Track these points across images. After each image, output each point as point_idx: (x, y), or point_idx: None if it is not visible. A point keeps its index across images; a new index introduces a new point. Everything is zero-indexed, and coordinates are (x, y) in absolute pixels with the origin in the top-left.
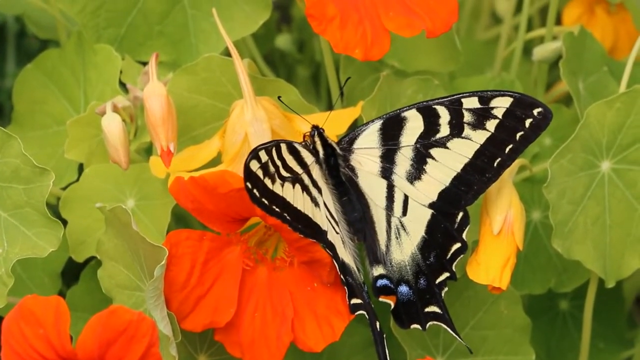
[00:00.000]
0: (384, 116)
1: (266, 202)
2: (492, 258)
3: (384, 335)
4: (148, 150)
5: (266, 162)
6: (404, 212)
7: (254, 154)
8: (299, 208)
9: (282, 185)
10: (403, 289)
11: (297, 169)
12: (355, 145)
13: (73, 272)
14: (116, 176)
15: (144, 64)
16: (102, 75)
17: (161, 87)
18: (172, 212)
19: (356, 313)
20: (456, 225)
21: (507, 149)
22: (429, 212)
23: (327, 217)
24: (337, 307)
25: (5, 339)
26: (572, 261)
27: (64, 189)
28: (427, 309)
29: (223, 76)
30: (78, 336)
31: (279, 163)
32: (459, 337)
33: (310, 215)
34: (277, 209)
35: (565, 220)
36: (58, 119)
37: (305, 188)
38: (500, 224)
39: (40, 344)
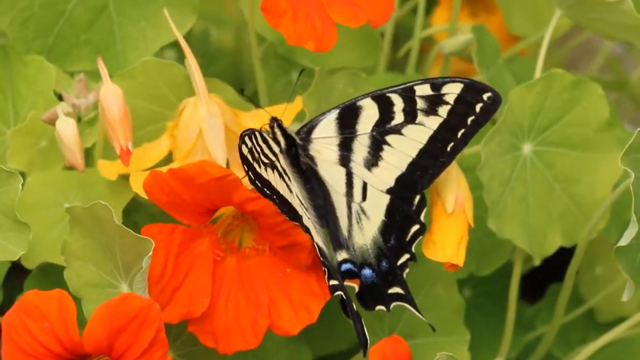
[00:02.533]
0: (340, 106)
1: (259, 184)
2: (447, 236)
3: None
4: (88, 155)
5: (251, 148)
6: (364, 198)
7: (242, 139)
8: (281, 192)
9: (266, 170)
10: (366, 272)
11: (271, 156)
12: (313, 135)
13: (12, 283)
14: (59, 183)
15: (71, 73)
16: (34, 86)
17: (117, 88)
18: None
19: (335, 294)
20: (414, 208)
21: (460, 134)
22: (388, 196)
23: (298, 203)
24: (311, 289)
25: (7, 334)
26: (489, 245)
27: None
28: (390, 290)
29: (159, 79)
30: None
31: (258, 149)
32: (422, 315)
33: (289, 200)
34: (268, 192)
35: (496, 201)
36: None
37: (280, 175)
38: (453, 203)
39: (46, 337)
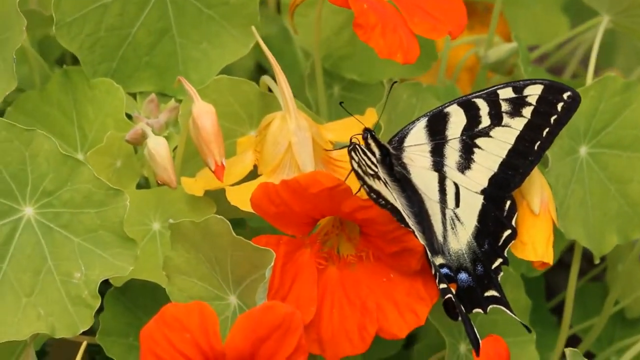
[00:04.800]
0: (428, 114)
1: (374, 195)
2: (536, 236)
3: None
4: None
5: (359, 161)
6: (457, 204)
7: (350, 154)
8: (390, 200)
9: (373, 181)
10: (462, 276)
11: (373, 167)
12: (405, 144)
13: None
14: (136, 202)
15: (133, 95)
16: (102, 109)
17: (209, 106)
18: None
19: (446, 297)
20: (505, 213)
21: (545, 132)
22: (480, 202)
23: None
24: (418, 293)
25: (148, 347)
26: None
27: None
28: (486, 294)
29: (231, 96)
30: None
31: (364, 162)
32: (516, 317)
33: (398, 208)
34: (383, 202)
35: (561, 203)
36: None
37: (384, 184)
38: (539, 204)
39: (188, 348)
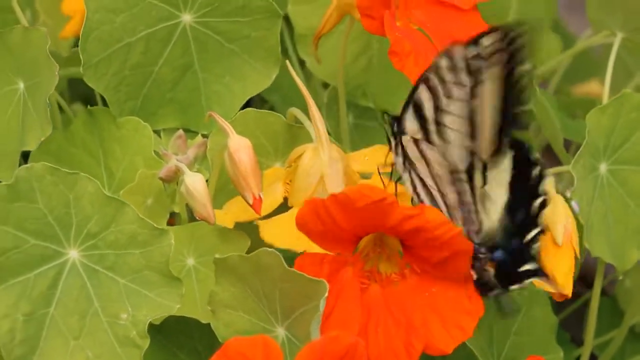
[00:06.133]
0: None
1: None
2: (557, 267)
3: None
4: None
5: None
6: (484, 182)
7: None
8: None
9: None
10: (497, 254)
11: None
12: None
13: None
14: None
15: (156, 132)
16: (130, 147)
17: (246, 140)
18: None
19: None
20: (533, 182)
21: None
22: (508, 174)
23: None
24: (463, 307)
25: None
26: None
27: None
28: (524, 268)
29: (257, 129)
30: None
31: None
32: (554, 293)
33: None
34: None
35: (586, 221)
36: None
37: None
38: (562, 235)
39: None
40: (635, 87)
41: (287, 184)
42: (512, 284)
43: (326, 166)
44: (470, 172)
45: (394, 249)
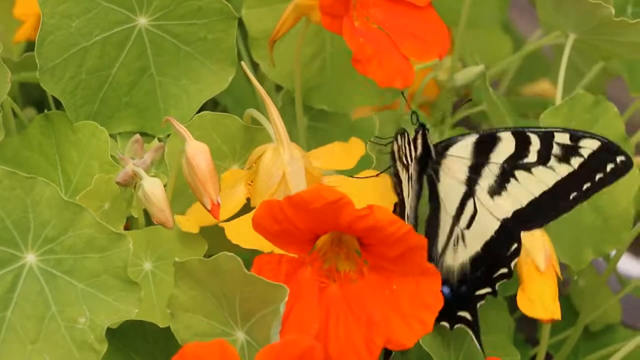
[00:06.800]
0: (480, 132)
1: (395, 180)
2: (544, 293)
3: None
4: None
5: (400, 146)
6: (468, 226)
7: (396, 137)
8: (404, 195)
9: (401, 171)
10: (445, 289)
11: (409, 159)
12: (449, 152)
13: None
14: None
15: (112, 136)
16: (86, 151)
17: (203, 145)
18: None
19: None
20: (509, 253)
21: (584, 187)
22: (494, 229)
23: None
24: (423, 301)
25: None
26: None
27: None
28: (460, 313)
29: (214, 132)
30: None
31: (404, 149)
32: (480, 345)
33: (405, 204)
34: (398, 190)
35: None
36: None
37: (408, 179)
38: (544, 261)
39: None
40: (585, 87)
41: (249, 185)
42: (442, 320)
43: (287, 165)
44: (459, 214)
45: (352, 248)
